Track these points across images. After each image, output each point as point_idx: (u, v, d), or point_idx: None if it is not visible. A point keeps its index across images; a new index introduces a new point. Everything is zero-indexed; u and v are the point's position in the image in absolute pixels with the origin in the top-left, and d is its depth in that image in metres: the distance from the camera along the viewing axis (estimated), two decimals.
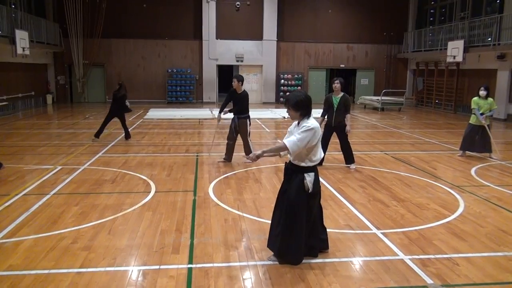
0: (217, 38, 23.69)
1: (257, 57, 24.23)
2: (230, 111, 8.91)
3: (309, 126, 4.01)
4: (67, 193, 6.61)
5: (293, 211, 4.15)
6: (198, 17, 23.57)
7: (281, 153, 4.23)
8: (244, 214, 5.75)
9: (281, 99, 24.42)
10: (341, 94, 8.20)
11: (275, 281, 3.96)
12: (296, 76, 24.62)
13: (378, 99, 21.31)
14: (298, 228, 4.17)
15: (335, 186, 7.16)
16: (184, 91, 23.93)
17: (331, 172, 8.07)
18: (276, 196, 4.44)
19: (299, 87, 24.48)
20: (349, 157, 8.47)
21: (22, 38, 17.02)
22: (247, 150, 8.88)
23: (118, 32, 23.13)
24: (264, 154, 4.21)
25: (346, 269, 4.21)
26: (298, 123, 4.16)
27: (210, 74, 23.90)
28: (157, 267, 4.20)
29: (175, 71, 23.79)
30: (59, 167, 8.22)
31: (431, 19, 23.65)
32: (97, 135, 11.17)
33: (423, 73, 23.45)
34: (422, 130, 14.27)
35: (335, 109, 8.18)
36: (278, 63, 24.52)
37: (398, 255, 4.50)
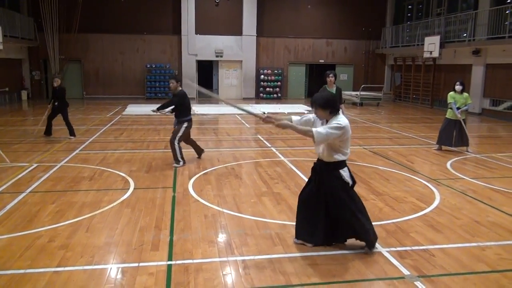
0: (196, 33, 23.51)
1: (236, 52, 24.16)
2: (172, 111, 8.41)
3: (340, 124, 4.12)
4: (43, 191, 6.49)
5: (346, 204, 4.32)
6: (177, 12, 23.34)
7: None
8: (224, 210, 5.75)
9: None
10: (335, 86, 8.35)
11: (255, 275, 3.97)
12: (276, 71, 24.65)
13: (357, 94, 21.53)
14: (362, 213, 4.39)
15: None
16: (163, 87, 23.68)
17: (309, 166, 8.10)
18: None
19: (279, 82, 24.54)
20: None
21: None
22: (174, 155, 8.19)
23: (95, 27, 22.72)
24: (284, 127, 4.19)
25: (325, 262, 4.26)
26: (327, 121, 4.24)
27: (189, 70, 23.73)
28: (136, 264, 4.16)
29: (154, 66, 23.52)
30: (35, 165, 8.06)
31: (408, 14, 23.97)
32: (72, 133, 10.99)
33: (401, 68, 23.77)
34: (400, 125, 14.48)
35: None
36: (257, 58, 24.49)
37: (376, 248, 4.57)
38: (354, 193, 4.47)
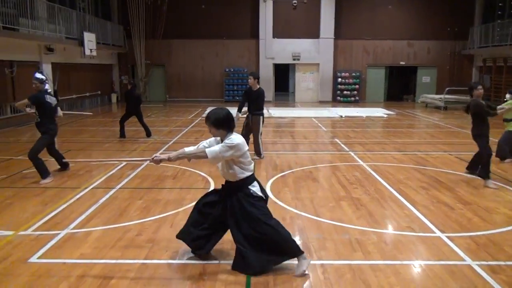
0: (273, 37, 23.74)
1: (313, 55, 24.02)
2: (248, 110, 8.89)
3: (232, 143, 3.92)
4: (131, 187, 6.92)
5: (260, 222, 4.03)
6: (255, 17, 23.75)
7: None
8: (302, 213, 5.73)
9: (337, 98, 24.10)
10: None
11: (335, 281, 3.92)
12: (354, 74, 24.14)
13: (440, 98, 20.43)
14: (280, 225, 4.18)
15: (395, 187, 6.95)
16: (241, 90, 24.12)
17: (391, 173, 7.85)
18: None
19: (357, 86, 24.01)
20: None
21: (89, 40, 18.01)
22: (257, 149, 8.93)
23: (178, 33, 23.81)
24: (176, 157, 4.12)
25: (408, 272, 4.09)
26: (222, 140, 4.05)
27: (266, 73, 23.98)
28: (217, 262, 4.29)
29: (232, 70, 24.12)
30: (124, 163, 8.60)
31: (499, 12, 22.31)
32: (122, 135, 11.54)
33: (491, 70, 22.17)
34: (490, 130, 13.45)
35: None
36: (335, 61, 24.15)
37: (464, 260, 4.30)
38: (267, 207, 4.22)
